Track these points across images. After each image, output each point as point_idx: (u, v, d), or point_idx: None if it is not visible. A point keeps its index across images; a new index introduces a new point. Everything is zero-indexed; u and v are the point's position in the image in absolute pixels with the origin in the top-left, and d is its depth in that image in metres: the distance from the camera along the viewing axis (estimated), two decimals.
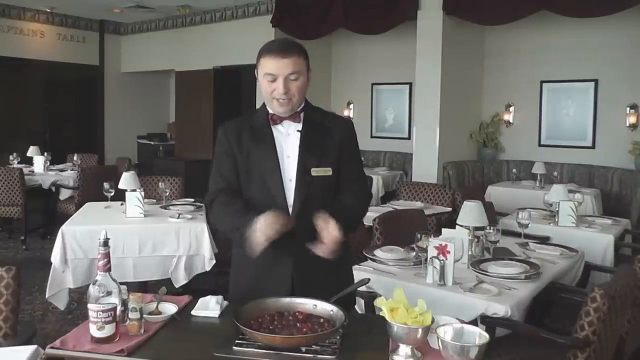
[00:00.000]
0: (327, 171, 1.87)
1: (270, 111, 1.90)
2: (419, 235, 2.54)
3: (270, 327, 1.53)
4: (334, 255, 1.73)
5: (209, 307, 1.79)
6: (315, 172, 1.85)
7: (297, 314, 1.61)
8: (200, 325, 1.72)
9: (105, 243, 1.56)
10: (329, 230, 1.70)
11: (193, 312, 1.76)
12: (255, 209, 1.76)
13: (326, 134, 1.90)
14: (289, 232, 1.73)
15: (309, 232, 1.78)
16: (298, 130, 1.89)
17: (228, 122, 1.99)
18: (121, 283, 1.62)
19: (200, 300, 1.83)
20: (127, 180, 4.01)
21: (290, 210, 1.83)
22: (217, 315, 1.75)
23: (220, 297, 1.83)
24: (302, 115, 1.90)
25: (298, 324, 1.55)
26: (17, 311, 2.08)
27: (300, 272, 1.84)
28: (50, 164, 6.70)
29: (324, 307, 1.62)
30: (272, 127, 1.89)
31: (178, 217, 3.72)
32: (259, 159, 1.87)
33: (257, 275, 1.85)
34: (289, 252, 1.82)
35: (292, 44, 1.86)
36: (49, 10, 8.87)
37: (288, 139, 1.89)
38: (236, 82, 8.96)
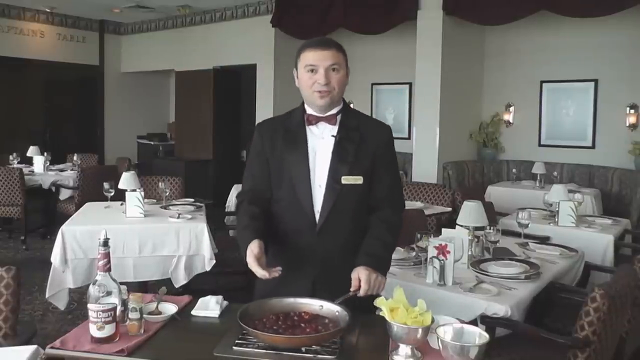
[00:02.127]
0: (358, 179, 1.85)
1: (308, 111, 1.90)
2: (419, 235, 2.54)
3: (274, 327, 1.53)
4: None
5: (209, 307, 1.79)
6: (345, 180, 1.83)
7: (303, 314, 1.62)
8: (200, 325, 1.72)
9: (105, 243, 1.56)
10: (363, 288, 1.72)
11: (193, 312, 1.77)
12: (260, 221, 1.83)
13: (361, 141, 1.88)
14: (314, 240, 1.82)
15: (334, 239, 1.82)
16: (333, 135, 1.87)
17: (264, 121, 2.02)
18: (121, 283, 1.62)
19: (200, 300, 1.83)
20: (127, 180, 4.01)
21: (318, 216, 1.84)
22: (217, 315, 1.75)
23: (220, 297, 1.83)
24: (338, 117, 1.89)
25: (302, 324, 1.55)
26: (17, 311, 2.08)
27: (323, 276, 1.83)
28: (50, 164, 6.69)
29: (329, 308, 1.62)
30: (307, 128, 1.89)
31: (178, 217, 3.72)
32: (291, 163, 1.87)
33: (281, 278, 1.81)
34: (314, 258, 1.83)
35: (332, 39, 1.89)
36: (49, 10, 8.87)
37: (322, 143, 1.88)
38: (236, 82, 8.96)
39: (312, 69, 1.81)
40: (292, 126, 1.91)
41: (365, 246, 1.85)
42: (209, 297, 1.84)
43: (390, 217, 1.93)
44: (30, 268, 4.88)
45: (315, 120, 1.88)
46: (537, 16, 5.71)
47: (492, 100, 6.98)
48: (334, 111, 1.88)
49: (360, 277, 1.73)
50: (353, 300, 1.69)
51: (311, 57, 1.81)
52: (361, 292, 1.72)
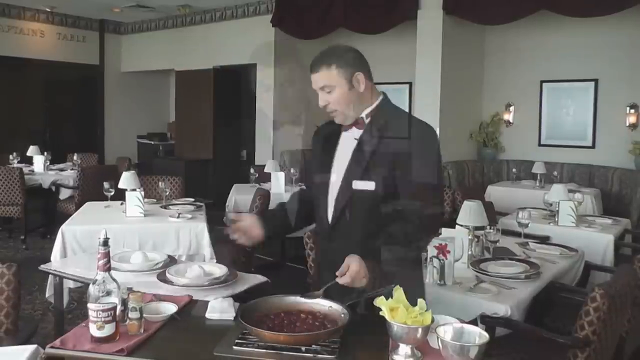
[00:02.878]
0: (369, 185, 1.75)
1: None
2: None
3: (271, 325, 1.53)
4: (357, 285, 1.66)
5: (224, 309, 1.75)
6: (355, 185, 1.78)
7: (306, 312, 1.62)
8: (200, 325, 1.72)
9: (105, 242, 1.56)
10: (349, 273, 1.63)
11: (207, 316, 1.74)
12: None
13: (384, 145, 1.76)
14: (327, 245, 1.86)
15: (343, 246, 1.77)
16: (356, 138, 1.82)
17: (324, 123, 1.98)
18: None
19: (210, 304, 1.79)
20: (127, 179, 4.01)
21: (330, 218, 1.84)
22: (232, 318, 1.71)
23: (230, 300, 1.82)
24: (367, 120, 1.82)
25: (298, 323, 1.56)
26: (18, 307, 2.10)
27: (334, 283, 1.77)
28: (50, 164, 6.69)
29: (336, 309, 1.62)
30: (343, 132, 1.87)
31: (178, 217, 3.72)
32: (319, 165, 1.91)
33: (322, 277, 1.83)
34: (328, 262, 1.81)
35: (323, 55, 1.79)
36: (49, 10, 8.86)
37: (347, 146, 1.84)
38: (236, 82, 8.95)
39: (317, 92, 1.81)
40: (335, 128, 1.89)
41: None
42: (219, 299, 1.82)
43: (410, 236, 1.72)
44: (30, 268, 4.85)
45: (347, 127, 1.85)
46: (537, 16, 5.71)
47: (492, 100, 6.99)
48: (361, 115, 1.82)
49: (351, 266, 1.64)
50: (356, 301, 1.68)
51: (311, 80, 1.80)
52: (341, 281, 1.64)
